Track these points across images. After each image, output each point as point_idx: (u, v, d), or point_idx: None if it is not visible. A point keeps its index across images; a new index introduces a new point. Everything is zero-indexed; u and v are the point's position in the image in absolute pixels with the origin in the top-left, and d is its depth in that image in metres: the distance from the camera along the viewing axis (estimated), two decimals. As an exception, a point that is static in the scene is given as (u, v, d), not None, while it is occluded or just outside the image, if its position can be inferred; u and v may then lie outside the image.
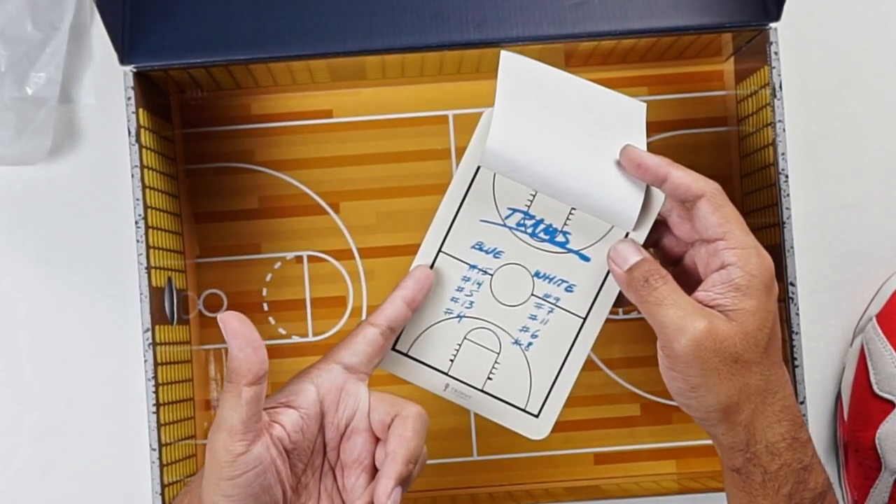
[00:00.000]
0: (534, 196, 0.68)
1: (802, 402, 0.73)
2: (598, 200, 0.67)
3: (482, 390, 0.70)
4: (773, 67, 0.74)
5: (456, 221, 0.69)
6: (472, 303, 0.69)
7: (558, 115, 0.68)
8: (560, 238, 0.68)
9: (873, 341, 0.80)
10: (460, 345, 0.69)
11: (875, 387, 0.80)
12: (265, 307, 0.82)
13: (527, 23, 0.73)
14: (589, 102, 0.69)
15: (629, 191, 0.67)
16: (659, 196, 0.67)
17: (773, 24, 0.74)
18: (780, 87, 0.74)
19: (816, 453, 0.65)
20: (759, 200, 0.77)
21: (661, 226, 0.68)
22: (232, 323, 0.59)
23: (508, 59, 0.69)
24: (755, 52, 0.76)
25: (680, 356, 0.63)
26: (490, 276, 0.69)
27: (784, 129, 0.74)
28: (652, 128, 0.83)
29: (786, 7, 0.72)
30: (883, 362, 0.79)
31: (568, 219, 0.68)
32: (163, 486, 0.72)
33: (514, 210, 0.68)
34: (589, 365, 0.82)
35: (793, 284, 0.73)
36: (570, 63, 0.81)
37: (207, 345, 0.82)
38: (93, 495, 0.83)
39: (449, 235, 0.69)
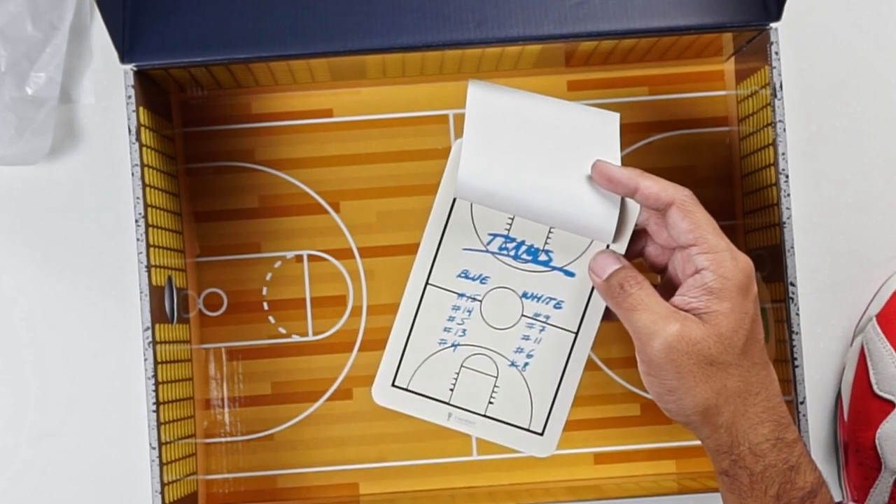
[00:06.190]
0: (512, 219, 0.68)
1: (803, 402, 0.73)
2: (574, 219, 0.67)
3: (485, 415, 0.70)
4: (774, 67, 0.74)
5: (439, 253, 0.69)
6: (464, 330, 0.69)
7: (529, 139, 0.68)
8: (543, 257, 0.69)
9: (873, 341, 0.80)
10: (458, 373, 0.70)
11: (875, 387, 0.80)
12: (265, 306, 0.82)
13: (527, 22, 0.73)
14: (560, 121, 0.69)
15: (604, 205, 0.67)
16: (634, 207, 0.68)
17: (773, 24, 0.74)
18: (781, 87, 0.74)
19: (807, 452, 0.65)
20: (759, 200, 0.77)
21: (643, 235, 0.69)
22: None
23: (476, 88, 0.69)
24: (755, 52, 0.76)
25: (654, 360, 0.63)
26: (479, 303, 0.69)
27: (784, 129, 0.74)
28: (652, 128, 0.83)
29: (786, 7, 0.72)
30: (883, 362, 0.79)
31: (548, 238, 0.69)
32: (162, 484, 0.72)
33: (495, 235, 0.69)
34: (589, 365, 0.81)
35: (793, 284, 0.73)
36: (570, 63, 0.81)
37: (207, 344, 0.82)
38: (93, 495, 0.83)
39: (434, 268, 0.69)
